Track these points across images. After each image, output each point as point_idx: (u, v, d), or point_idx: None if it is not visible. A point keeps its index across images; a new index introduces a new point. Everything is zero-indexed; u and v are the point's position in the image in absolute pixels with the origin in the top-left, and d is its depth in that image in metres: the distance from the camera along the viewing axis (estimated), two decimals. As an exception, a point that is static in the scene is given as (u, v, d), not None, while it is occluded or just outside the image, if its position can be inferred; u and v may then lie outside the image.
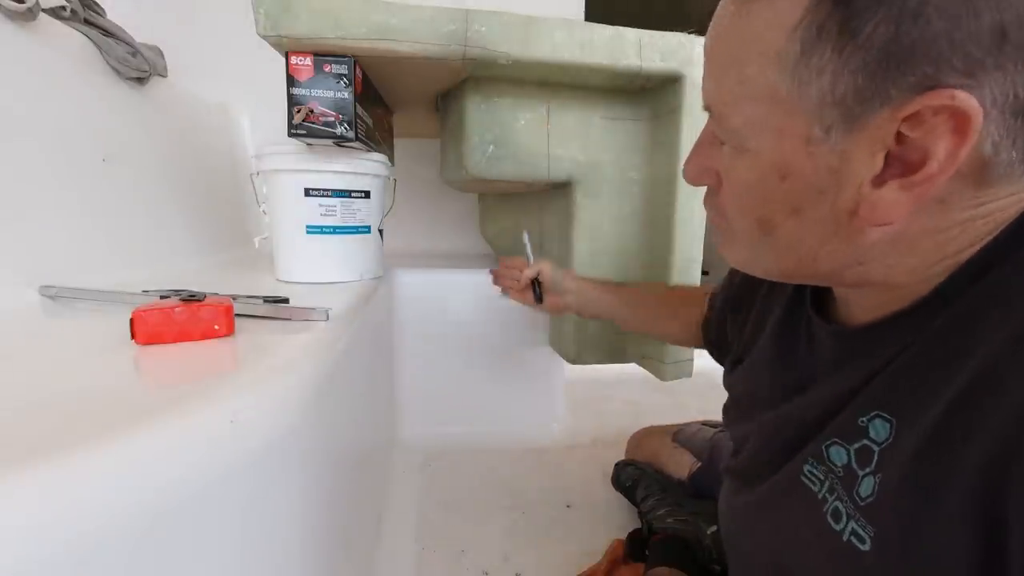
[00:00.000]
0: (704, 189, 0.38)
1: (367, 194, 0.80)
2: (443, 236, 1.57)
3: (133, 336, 0.41)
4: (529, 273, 0.79)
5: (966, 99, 0.23)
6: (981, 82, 0.23)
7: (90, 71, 0.80)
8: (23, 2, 0.64)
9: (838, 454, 0.35)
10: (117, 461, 0.24)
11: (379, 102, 0.94)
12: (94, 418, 0.27)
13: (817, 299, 0.40)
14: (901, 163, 0.26)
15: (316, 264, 0.78)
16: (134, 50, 0.88)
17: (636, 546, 0.73)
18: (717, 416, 0.56)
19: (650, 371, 0.91)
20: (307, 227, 0.76)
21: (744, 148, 0.31)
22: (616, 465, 0.90)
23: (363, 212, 0.80)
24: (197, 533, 0.28)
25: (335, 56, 0.71)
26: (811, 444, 0.37)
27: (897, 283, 0.31)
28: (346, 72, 0.71)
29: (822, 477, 0.36)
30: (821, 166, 0.28)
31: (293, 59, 0.70)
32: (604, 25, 0.78)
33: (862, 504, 0.31)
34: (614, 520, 0.85)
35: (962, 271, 0.29)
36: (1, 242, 0.56)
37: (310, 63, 0.70)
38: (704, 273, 0.87)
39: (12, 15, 0.64)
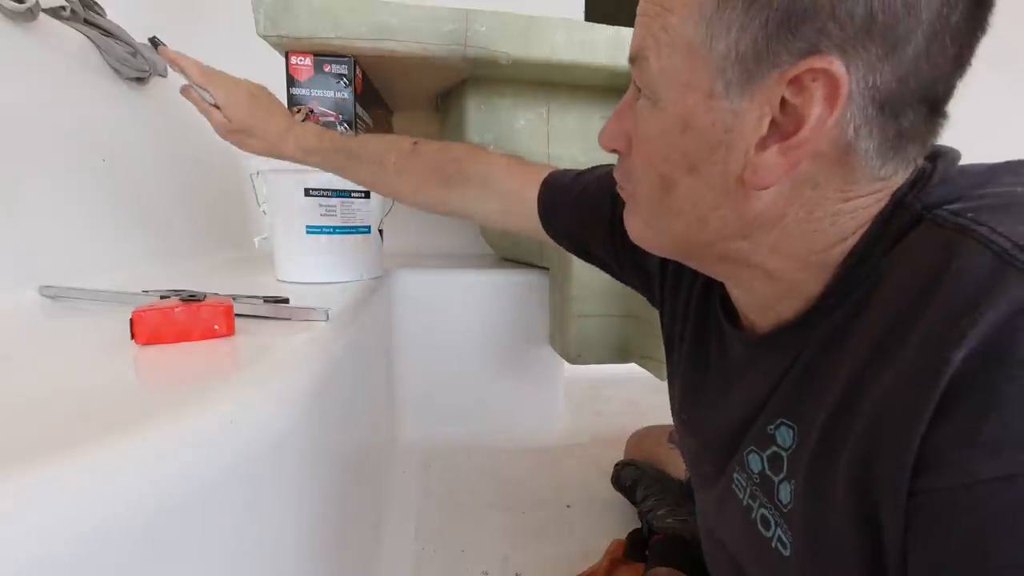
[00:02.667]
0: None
1: (367, 194, 0.80)
2: (443, 236, 1.57)
3: (133, 336, 0.41)
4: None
5: (839, 66, 0.25)
6: (850, 58, 0.25)
7: (90, 71, 0.80)
8: (23, 2, 0.64)
9: (755, 461, 0.36)
10: (117, 461, 0.24)
11: (379, 102, 0.94)
12: (94, 418, 0.27)
13: (725, 308, 0.41)
14: (780, 129, 0.28)
15: (316, 264, 0.78)
16: (134, 50, 0.88)
17: (636, 546, 0.73)
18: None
19: (650, 371, 0.91)
20: (307, 227, 0.76)
21: (657, 99, 0.31)
22: (616, 465, 0.90)
23: (363, 212, 0.80)
24: (197, 533, 0.28)
25: (335, 56, 0.71)
26: (736, 454, 0.39)
27: (775, 272, 0.33)
28: (346, 72, 0.71)
29: (744, 484, 0.38)
30: (718, 122, 0.29)
31: (293, 59, 0.70)
32: (604, 25, 0.78)
33: (785, 511, 0.33)
34: (614, 520, 0.85)
35: (838, 277, 0.30)
36: (1, 242, 0.56)
37: (310, 63, 0.70)
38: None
39: (12, 15, 0.64)
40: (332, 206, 0.76)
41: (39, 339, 0.45)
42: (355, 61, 0.72)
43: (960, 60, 0.26)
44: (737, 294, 0.38)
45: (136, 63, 0.88)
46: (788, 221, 0.30)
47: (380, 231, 0.87)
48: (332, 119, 0.71)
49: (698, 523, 0.52)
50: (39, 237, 0.62)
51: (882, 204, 0.29)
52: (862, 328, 0.28)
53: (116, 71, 0.85)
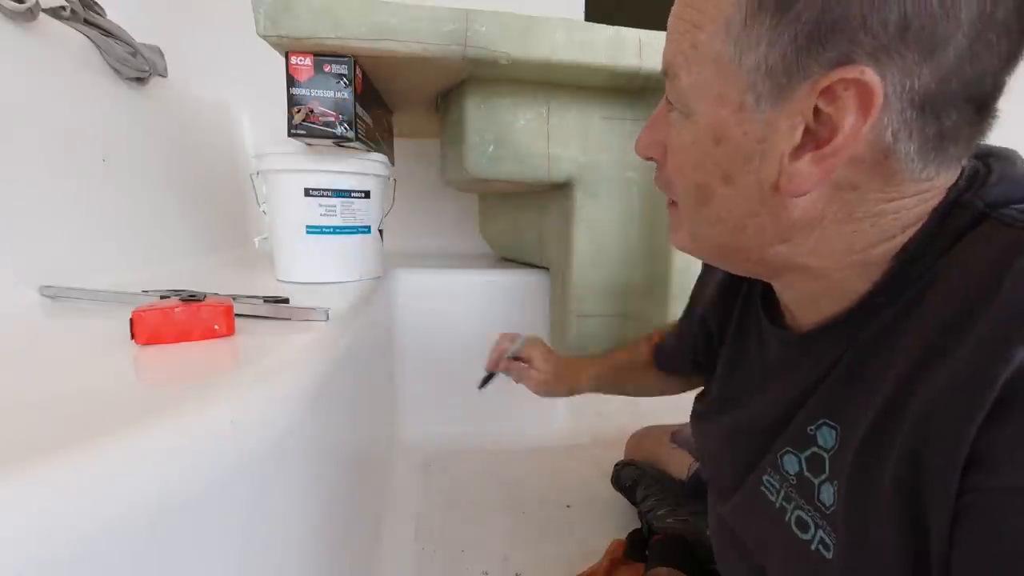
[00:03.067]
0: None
1: (367, 194, 0.80)
2: (443, 236, 1.57)
3: (133, 336, 0.41)
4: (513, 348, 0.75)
5: (871, 75, 0.25)
6: (884, 66, 0.25)
7: (90, 71, 0.80)
8: (23, 2, 0.64)
9: (791, 463, 0.36)
10: (117, 461, 0.24)
11: (379, 102, 0.94)
12: (94, 418, 0.27)
13: (767, 305, 0.42)
14: (815, 137, 0.28)
15: (316, 264, 0.78)
16: (134, 50, 0.88)
17: (636, 546, 0.73)
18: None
19: (650, 371, 0.91)
20: (307, 227, 0.76)
21: (689, 111, 0.32)
22: (616, 465, 0.90)
23: (363, 212, 0.80)
24: (197, 533, 0.28)
25: (335, 56, 0.71)
26: (767, 455, 0.38)
27: (817, 271, 0.33)
28: (346, 72, 0.71)
29: (777, 486, 0.37)
30: (750, 134, 0.29)
31: (293, 59, 0.70)
32: (604, 25, 0.78)
33: (827, 513, 0.32)
34: (614, 520, 0.84)
35: (888, 276, 0.30)
36: (1, 242, 0.56)
37: (310, 63, 0.70)
38: (704, 273, 0.87)
39: (12, 15, 0.64)
40: (332, 206, 0.76)
41: (39, 339, 0.45)
42: (355, 61, 0.72)
43: (1010, 56, 0.26)
44: (782, 292, 0.38)
45: (136, 63, 0.88)
46: (827, 223, 0.30)
47: (380, 231, 0.87)
48: (332, 119, 0.71)
49: (709, 524, 0.52)
50: (39, 237, 0.62)
51: (931, 204, 0.29)
52: (914, 328, 0.28)
53: (116, 71, 0.85)
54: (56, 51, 0.72)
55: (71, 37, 0.77)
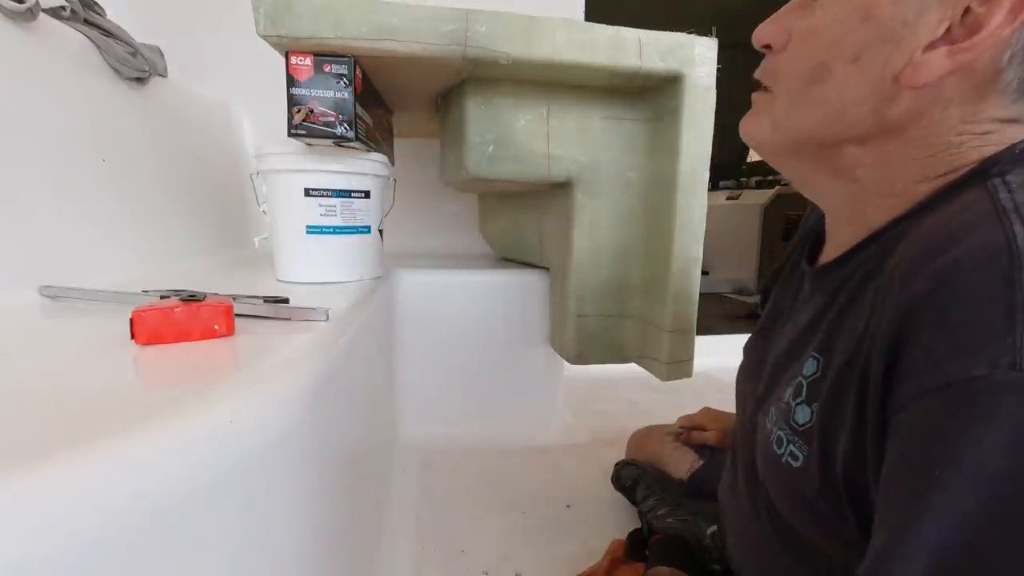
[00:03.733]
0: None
1: (367, 194, 0.80)
2: (443, 236, 1.57)
3: (133, 336, 0.41)
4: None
5: None
6: None
7: (90, 71, 0.80)
8: (23, 2, 0.64)
9: (787, 393, 0.39)
10: (117, 461, 0.24)
11: (379, 102, 0.94)
12: (94, 418, 0.27)
13: (812, 248, 0.45)
14: (952, 36, 0.29)
15: (316, 264, 0.78)
16: (134, 50, 0.88)
17: (636, 546, 0.73)
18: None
19: (650, 371, 0.91)
20: (307, 227, 0.76)
21: None
22: (616, 465, 0.90)
23: (363, 212, 0.80)
24: (197, 533, 0.28)
25: (335, 56, 0.71)
26: (776, 389, 0.42)
27: (863, 188, 0.36)
28: (346, 72, 0.71)
29: (774, 413, 0.40)
30: (898, 16, 0.31)
31: (293, 59, 0.70)
32: (604, 25, 0.78)
33: (800, 430, 0.36)
34: (614, 520, 0.84)
35: (891, 220, 0.34)
36: (1, 242, 0.56)
37: (310, 63, 0.70)
38: (704, 273, 0.87)
39: (12, 15, 0.64)
40: (332, 206, 0.76)
41: (39, 339, 0.45)
42: (355, 61, 0.72)
43: None
44: (827, 210, 0.41)
45: (136, 63, 0.88)
46: (907, 137, 0.33)
47: (380, 231, 0.87)
48: (332, 119, 0.71)
49: (722, 488, 0.55)
50: (39, 237, 0.62)
51: (984, 152, 0.31)
52: (886, 269, 0.30)
53: (116, 71, 0.85)
54: (56, 51, 0.72)
55: (71, 37, 0.77)
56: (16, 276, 0.56)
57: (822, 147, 0.36)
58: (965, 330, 0.24)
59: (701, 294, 0.86)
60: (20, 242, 0.58)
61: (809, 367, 0.37)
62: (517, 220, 1.24)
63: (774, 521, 0.41)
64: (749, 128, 0.40)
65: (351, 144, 0.75)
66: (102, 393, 0.31)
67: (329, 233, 0.77)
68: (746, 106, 0.42)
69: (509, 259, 1.34)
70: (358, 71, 0.73)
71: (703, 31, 0.82)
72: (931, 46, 0.30)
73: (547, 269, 1.10)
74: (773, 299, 0.50)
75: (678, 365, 0.86)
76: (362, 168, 0.78)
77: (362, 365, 0.70)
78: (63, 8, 0.76)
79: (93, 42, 0.80)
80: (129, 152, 0.84)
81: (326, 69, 0.70)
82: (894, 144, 0.33)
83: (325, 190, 0.75)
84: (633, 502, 0.85)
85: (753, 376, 0.48)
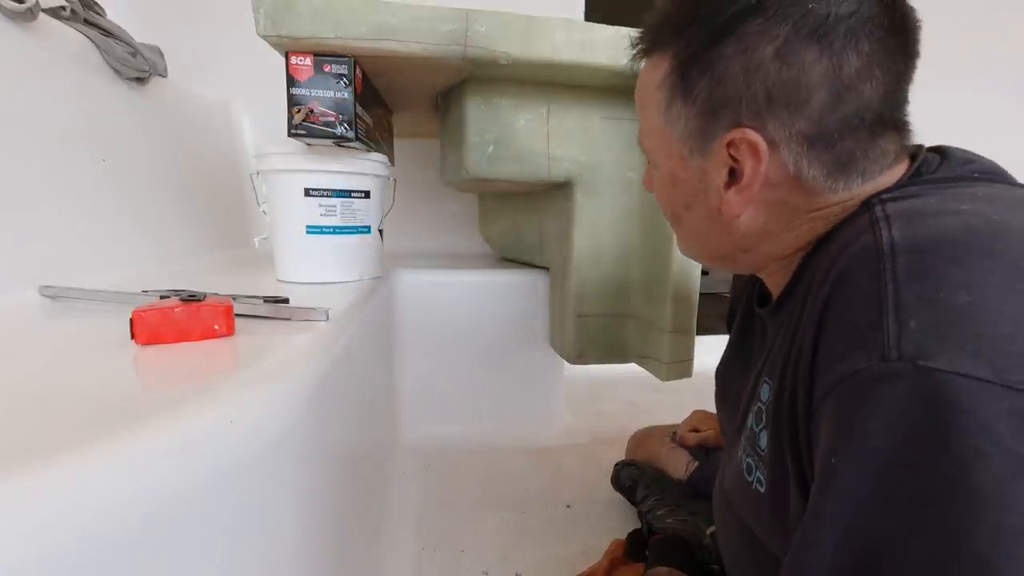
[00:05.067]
0: None
1: (367, 194, 0.80)
2: (443, 236, 1.57)
3: (133, 336, 0.41)
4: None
5: (752, 134, 0.35)
6: (765, 123, 0.35)
7: (90, 71, 0.80)
8: (23, 2, 0.64)
9: (750, 419, 0.42)
10: (117, 461, 0.24)
11: (379, 102, 0.94)
12: (94, 418, 0.27)
13: (759, 293, 0.50)
14: (737, 175, 0.37)
15: (316, 264, 0.78)
16: (134, 50, 0.88)
17: (636, 546, 0.73)
18: (717, 416, 0.56)
19: (650, 371, 0.91)
20: (307, 227, 0.76)
21: (656, 164, 0.44)
22: (616, 465, 0.90)
23: (363, 212, 0.80)
24: (197, 533, 0.28)
25: (335, 56, 0.71)
26: (745, 419, 0.45)
27: (778, 265, 0.42)
28: (346, 72, 0.71)
29: (743, 443, 0.43)
30: (693, 176, 0.40)
31: (293, 59, 0.70)
32: (604, 25, 0.78)
33: (762, 455, 0.39)
34: (614, 520, 0.84)
35: (801, 262, 0.39)
36: (1, 242, 0.56)
37: (310, 63, 0.70)
38: (704, 273, 0.87)
39: (12, 15, 0.64)
40: (332, 206, 0.76)
41: (39, 339, 0.45)
42: (355, 61, 0.72)
43: (886, 87, 0.33)
44: (766, 280, 0.47)
45: (136, 63, 0.88)
46: (772, 231, 0.39)
47: (380, 231, 0.87)
48: (332, 119, 0.71)
49: (714, 494, 0.57)
50: (39, 237, 0.62)
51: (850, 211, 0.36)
52: (801, 293, 0.36)
53: (116, 71, 0.85)
54: (56, 51, 0.72)
55: (71, 37, 0.77)
56: (16, 276, 0.56)
57: (722, 259, 0.45)
58: (850, 328, 0.28)
59: (701, 294, 0.86)
60: (20, 242, 0.58)
61: (764, 392, 0.40)
62: (517, 220, 1.24)
63: (752, 541, 0.42)
64: (680, 248, 0.49)
65: (351, 144, 0.75)
66: (102, 393, 0.31)
67: (329, 233, 0.77)
68: None
69: (509, 259, 1.34)
70: (358, 71, 0.73)
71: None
72: (727, 187, 0.38)
73: (547, 269, 1.10)
74: (738, 332, 0.55)
75: (678, 365, 0.86)
76: (362, 168, 0.78)
77: (362, 365, 0.70)
78: (63, 8, 0.76)
79: (93, 42, 0.80)
80: (129, 152, 0.84)
81: (326, 69, 0.71)
82: (768, 238, 0.40)
83: (325, 190, 0.75)
84: (633, 502, 0.85)
85: (730, 407, 0.51)
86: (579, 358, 0.96)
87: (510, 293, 1.12)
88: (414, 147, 1.42)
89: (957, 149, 0.37)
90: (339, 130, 0.71)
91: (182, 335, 0.42)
